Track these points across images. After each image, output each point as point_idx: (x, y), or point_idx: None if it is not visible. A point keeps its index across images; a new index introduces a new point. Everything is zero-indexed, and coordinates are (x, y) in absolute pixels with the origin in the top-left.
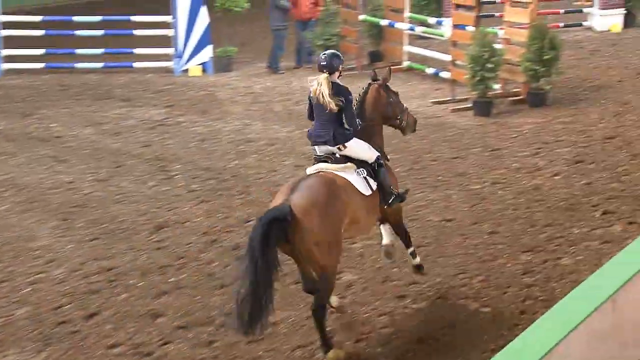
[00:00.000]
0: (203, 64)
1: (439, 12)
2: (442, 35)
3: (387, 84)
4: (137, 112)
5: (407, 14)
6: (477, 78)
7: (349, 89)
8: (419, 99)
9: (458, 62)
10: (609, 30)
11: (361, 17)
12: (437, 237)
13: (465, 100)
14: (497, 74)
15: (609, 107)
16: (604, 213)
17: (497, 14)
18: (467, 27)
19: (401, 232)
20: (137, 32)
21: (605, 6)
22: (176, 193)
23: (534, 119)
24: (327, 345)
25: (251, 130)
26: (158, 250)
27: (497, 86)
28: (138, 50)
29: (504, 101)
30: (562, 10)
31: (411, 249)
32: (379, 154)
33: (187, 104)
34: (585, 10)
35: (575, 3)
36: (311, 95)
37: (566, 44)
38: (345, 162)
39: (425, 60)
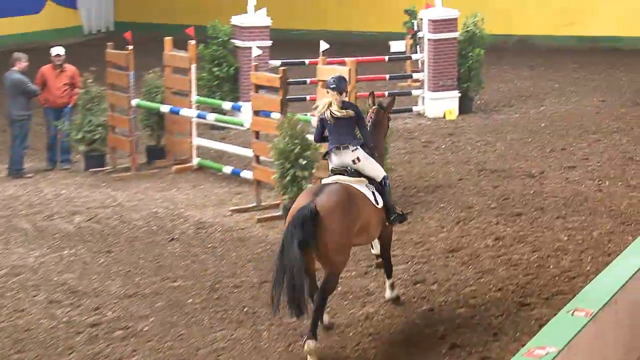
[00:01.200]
0: None
1: (235, 94)
2: (241, 124)
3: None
4: None
5: (194, 97)
6: (288, 178)
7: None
8: (214, 207)
9: (263, 158)
10: (443, 117)
11: (134, 101)
12: None
13: (275, 206)
14: (313, 171)
15: (449, 212)
16: (452, 347)
17: (308, 97)
18: (272, 114)
19: (386, 258)
20: None
21: (436, 88)
22: None
23: None
24: (314, 335)
25: None
26: None
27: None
28: None
29: None
30: (386, 93)
31: (391, 281)
32: (386, 174)
33: None
34: (414, 92)
35: (402, 84)
36: (323, 116)
37: (395, 134)
38: (359, 177)
39: (221, 157)
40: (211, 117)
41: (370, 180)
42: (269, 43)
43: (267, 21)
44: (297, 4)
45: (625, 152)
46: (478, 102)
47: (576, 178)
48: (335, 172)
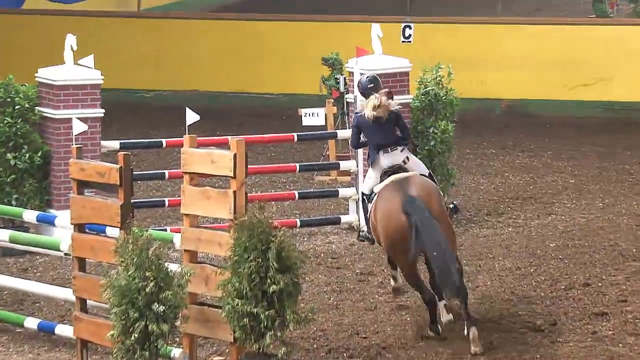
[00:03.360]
0: None
1: (43, 197)
2: (55, 247)
3: None
4: None
5: None
6: (135, 335)
7: None
8: None
9: (92, 302)
10: None
11: None
12: None
13: None
14: (178, 326)
15: None
16: None
17: (167, 200)
18: (107, 229)
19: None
20: None
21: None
22: None
23: None
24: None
25: None
26: None
27: (177, 353)
28: None
29: None
30: (296, 194)
31: (444, 302)
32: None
33: None
34: (342, 191)
35: (322, 177)
36: (366, 117)
37: (313, 260)
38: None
39: (22, 302)
40: (4, 235)
41: None
42: (100, 112)
43: (95, 76)
44: (147, 47)
45: None
46: (446, 208)
47: (609, 333)
48: (389, 172)
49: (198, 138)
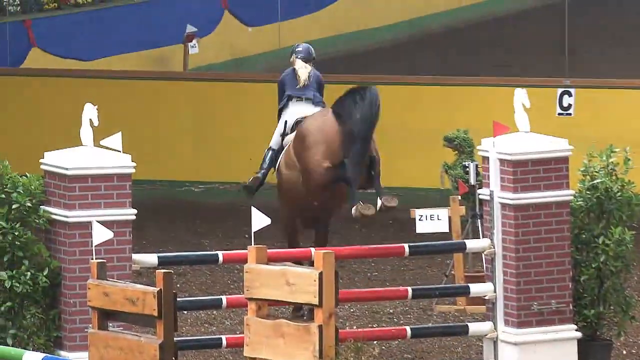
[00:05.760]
0: None
1: (50, 335)
2: None
3: None
4: None
5: None
6: None
7: None
8: None
9: None
10: None
11: None
12: None
13: None
14: None
15: None
16: None
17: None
18: None
19: None
20: None
21: (523, 319)
22: None
23: None
24: None
25: None
26: None
27: None
28: None
29: None
30: (408, 331)
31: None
32: None
33: None
34: (472, 327)
35: (442, 307)
36: (292, 76)
37: None
38: None
39: None
40: None
41: None
42: (130, 213)
43: (124, 162)
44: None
45: None
46: (624, 353)
47: None
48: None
49: (269, 250)
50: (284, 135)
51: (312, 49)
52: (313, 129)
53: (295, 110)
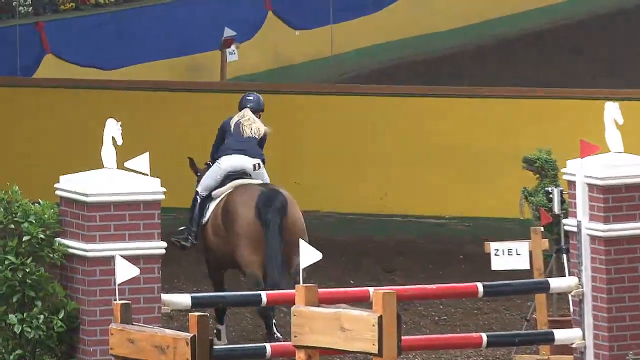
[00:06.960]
0: None
1: None
2: None
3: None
4: None
5: None
6: None
7: None
8: None
9: None
10: None
11: None
12: None
13: None
14: None
15: None
16: None
17: None
18: None
19: None
20: None
21: None
22: None
23: None
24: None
25: None
26: None
27: None
28: None
29: None
30: None
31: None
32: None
33: None
34: None
35: (521, 358)
36: (234, 124)
37: None
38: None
39: None
40: None
41: None
42: (160, 247)
43: (153, 187)
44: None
45: None
46: None
47: None
48: (233, 177)
49: (320, 289)
50: (215, 184)
51: (262, 98)
52: (241, 213)
53: (233, 161)
